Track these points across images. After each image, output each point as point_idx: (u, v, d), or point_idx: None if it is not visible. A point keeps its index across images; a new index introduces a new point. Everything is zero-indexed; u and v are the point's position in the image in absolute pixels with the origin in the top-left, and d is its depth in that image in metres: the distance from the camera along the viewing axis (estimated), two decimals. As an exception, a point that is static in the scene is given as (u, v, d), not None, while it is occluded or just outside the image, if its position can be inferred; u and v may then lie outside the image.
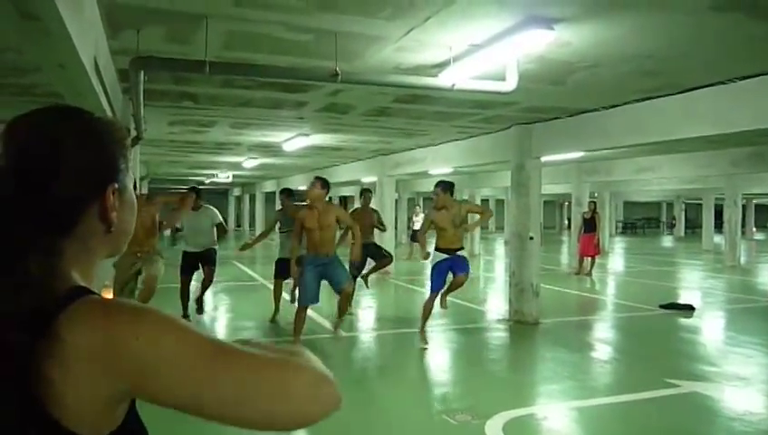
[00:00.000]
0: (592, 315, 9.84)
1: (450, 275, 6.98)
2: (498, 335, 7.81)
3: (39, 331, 0.75)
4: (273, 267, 8.29)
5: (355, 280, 8.43)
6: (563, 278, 13.76)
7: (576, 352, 6.89)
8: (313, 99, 7.58)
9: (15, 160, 0.82)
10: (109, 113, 5.78)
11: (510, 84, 5.44)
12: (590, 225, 14.36)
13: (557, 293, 11.53)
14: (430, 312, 7.10)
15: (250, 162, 16.65)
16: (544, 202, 29.01)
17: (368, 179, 16.78)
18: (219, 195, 36.31)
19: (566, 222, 34.66)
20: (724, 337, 8.31)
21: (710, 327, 8.96)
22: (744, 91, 5.97)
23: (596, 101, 7.46)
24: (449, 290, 7.15)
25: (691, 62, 5.54)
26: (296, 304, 6.82)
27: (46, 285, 0.78)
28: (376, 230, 9.24)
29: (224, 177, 23.10)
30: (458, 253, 6.97)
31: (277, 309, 8.22)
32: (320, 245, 6.42)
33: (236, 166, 18.44)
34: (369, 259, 8.90)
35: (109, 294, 6.17)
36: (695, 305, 9.80)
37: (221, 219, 8.38)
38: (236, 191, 38.18)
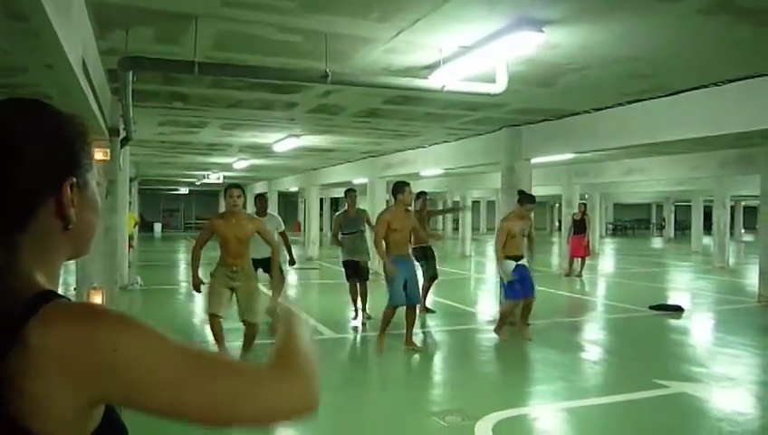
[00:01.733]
0: (582, 316, 9.88)
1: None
2: (488, 337, 7.81)
3: (6, 334, 0.72)
4: (344, 270, 8.51)
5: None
6: (554, 279, 13.81)
7: (566, 353, 6.91)
8: (304, 100, 7.57)
9: None
10: (97, 114, 5.76)
11: (500, 86, 5.46)
12: (580, 226, 14.42)
13: (547, 294, 11.56)
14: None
15: (241, 163, 16.60)
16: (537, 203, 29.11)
17: (359, 181, 16.76)
18: (210, 196, 36.21)
19: (556, 224, 34.80)
20: (712, 338, 8.36)
21: (699, 328, 9.01)
22: (731, 93, 6.02)
23: (585, 103, 7.49)
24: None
25: (679, 65, 5.58)
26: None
27: (6, 283, 0.77)
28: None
29: (215, 178, 23.01)
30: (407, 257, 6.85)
31: (356, 309, 8.42)
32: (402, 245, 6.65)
33: (227, 167, 18.38)
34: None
35: (97, 297, 6.10)
36: (684, 307, 9.86)
37: (284, 227, 8.36)
38: (237, 183, 37.99)
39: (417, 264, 9.15)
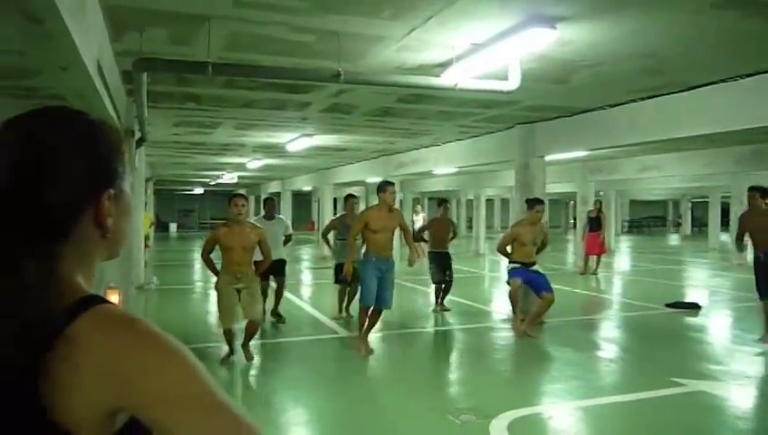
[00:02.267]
0: (598, 315, 9.81)
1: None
2: (503, 335, 7.79)
3: (53, 334, 0.76)
4: (334, 273, 8.62)
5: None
6: (569, 277, 13.73)
7: (581, 352, 6.87)
8: (317, 99, 7.59)
9: (8, 167, 0.81)
10: (112, 115, 5.81)
11: (512, 83, 5.44)
12: (596, 224, 14.32)
13: (563, 292, 11.49)
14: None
15: (254, 163, 16.69)
16: (549, 201, 28.98)
17: (372, 180, 16.77)
18: (224, 196, 36.35)
19: (571, 221, 34.59)
20: (730, 336, 8.27)
21: (716, 326, 8.92)
22: (747, 88, 5.95)
23: (598, 99, 7.44)
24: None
25: (693, 61, 5.53)
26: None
27: (49, 290, 0.79)
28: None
29: (229, 178, 23.14)
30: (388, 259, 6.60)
31: (340, 310, 8.59)
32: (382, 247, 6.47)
33: (241, 167, 18.48)
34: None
35: (114, 296, 6.17)
36: (701, 304, 9.76)
37: (291, 230, 8.56)
38: (242, 192, 38.25)
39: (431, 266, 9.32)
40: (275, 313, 8.21)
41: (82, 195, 0.86)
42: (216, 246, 6.13)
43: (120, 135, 0.95)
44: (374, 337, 7.04)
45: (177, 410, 0.79)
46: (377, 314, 6.55)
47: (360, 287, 6.64)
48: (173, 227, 36.97)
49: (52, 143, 0.84)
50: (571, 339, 7.55)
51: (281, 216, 8.83)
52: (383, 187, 6.51)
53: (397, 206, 7.42)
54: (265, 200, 8.57)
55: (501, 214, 37.12)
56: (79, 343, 0.76)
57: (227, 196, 6.41)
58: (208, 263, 6.25)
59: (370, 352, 6.57)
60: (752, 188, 7.15)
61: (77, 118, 0.90)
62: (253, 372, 6.10)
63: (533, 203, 7.54)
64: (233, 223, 6.08)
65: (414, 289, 11.75)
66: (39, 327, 0.77)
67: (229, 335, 6.08)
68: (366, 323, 6.57)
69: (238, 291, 6.07)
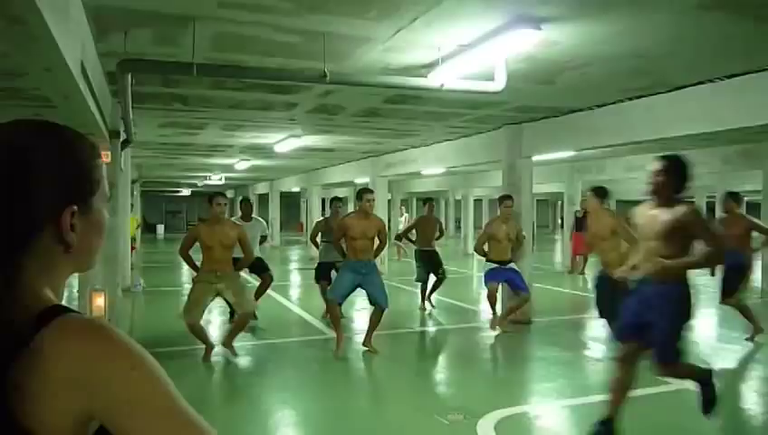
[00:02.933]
0: (585, 314, 9.85)
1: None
2: (491, 335, 7.81)
3: (18, 342, 0.77)
4: (315, 272, 8.70)
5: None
6: (556, 277, 13.79)
7: (569, 351, 6.90)
8: (304, 100, 7.57)
9: None
10: (97, 116, 5.76)
11: (499, 84, 5.46)
12: (583, 223, 14.39)
13: (550, 292, 11.56)
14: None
15: (242, 164, 16.63)
16: (537, 201, 29.06)
17: (360, 180, 16.76)
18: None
19: (559, 221, 34.72)
20: (715, 334, 8.34)
21: (702, 324, 8.98)
22: (733, 88, 6.00)
23: (585, 100, 7.48)
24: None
25: (679, 61, 5.57)
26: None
27: (11, 300, 0.80)
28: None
29: (216, 179, 23.04)
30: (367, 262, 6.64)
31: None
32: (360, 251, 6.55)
33: (229, 168, 18.41)
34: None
35: (99, 299, 6.12)
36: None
37: (267, 231, 8.74)
38: (229, 193, 38.15)
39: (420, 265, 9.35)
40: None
41: (45, 209, 0.85)
42: (197, 245, 6.25)
43: (95, 150, 0.94)
44: (360, 338, 7.02)
45: (138, 416, 0.79)
46: (378, 313, 6.61)
47: (333, 283, 6.95)
48: (160, 228, 36.72)
49: (22, 156, 0.84)
50: (558, 338, 7.58)
51: (258, 217, 8.94)
52: (360, 194, 6.61)
53: (383, 208, 7.55)
54: (241, 202, 8.55)
55: (489, 214, 37.19)
56: (45, 353, 0.77)
57: (209, 196, 6.43)
58: (187, 259, 6.33)
59: (376, 352, 6.64)
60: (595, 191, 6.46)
61: (51, 131, 0.90)
62: (240, 373, 6.07)
63: (503, 199, 7.88)
64: (213, 221, 6.21)
65: (401, 289, 11.75)
66: (3, 337, 0.78)
67: (194, 330, 6.09)
68: (368, 325, 6.75)
69: (219, 293, 6.16)
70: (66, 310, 0.83)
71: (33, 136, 0.87)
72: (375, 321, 6.65)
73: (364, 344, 6.73)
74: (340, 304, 6.68)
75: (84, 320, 0.83)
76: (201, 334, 6.19)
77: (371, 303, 6.61)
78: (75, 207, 0.87)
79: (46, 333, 0.78)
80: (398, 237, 11.06)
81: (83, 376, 0.78)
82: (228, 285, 6.16)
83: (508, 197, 7.94)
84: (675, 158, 3.85)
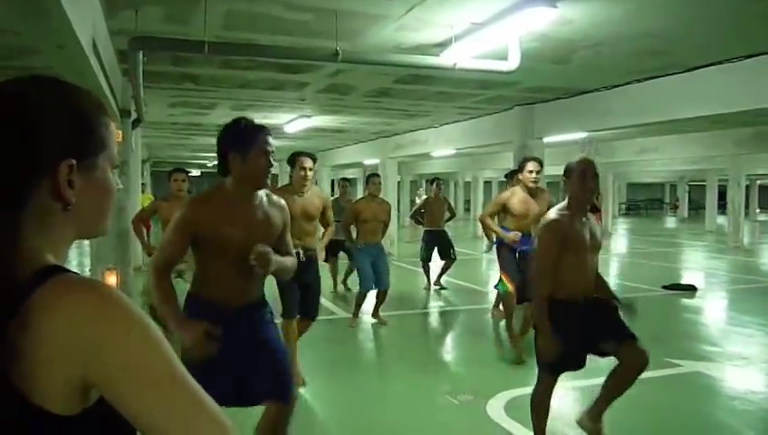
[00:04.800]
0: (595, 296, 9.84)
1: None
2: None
3: (11, 304, 0.74)
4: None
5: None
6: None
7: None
8: (314, 79, 7.53)
9: None
10: (108, 95, 5.76)
11: (512, 63, 5.40)
12: (592, 206, 14.32)
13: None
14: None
15: (252, 145, 16.60)
16: (547, 183, 28.91)
17: (370, 162, 16.72)
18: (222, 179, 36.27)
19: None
20: (726, 317, 8.31)
21: (713, 307, 8.96)
22: (748, 70, 5.92)
23: (599, 80, 7.40)
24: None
25: (694, 42, 5.49)
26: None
27: (6, 258, 0.77)
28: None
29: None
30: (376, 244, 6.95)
31: (335, 284, 9.05)
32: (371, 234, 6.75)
33: (238, 148, 18.39)
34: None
35: (111, 277, 6.15)
36: (697, 286, 9.80)
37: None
38: (182, 167, 38.11)
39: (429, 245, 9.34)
40: None
41: (37, 161, 0.81)
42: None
43: (102, 108, 0.90)
44: (367, 318, 7.09)
45: (133, 385, 0.76)
46: (382, 293, 6.95)
47: (358, 275, 7.02)
48: (170, 208, 36.89)
49: (23, 107, 0.81)
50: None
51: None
52: (368, 179, 7.02)
53: (392, 189, 7.52)
54: None
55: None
56: (38, 312, 0.74)
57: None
58: (138, 231, 5.87)
59: (384, 322, 7.05)
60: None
61: (59, 85, 0.87)
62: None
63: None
64: (173, 199, 5.74)
65: (411, 271, 11.76)
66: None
67: (153, 313, 5.85)
68: (374, 303, 7.05)
69: (179, 274, 5.49)
70: (64, 270, 0.80)
71: (35, 87, 0.85)
72: (381, 298, 7.00)
73: (373, 316, 7.12)
74: (369, 290, 6.92)
75: (81, 279, 0.80)
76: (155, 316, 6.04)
77: (375, 284, 6.85)
78: (74, 162, 0.82)
79: (41, 292, 0.75)
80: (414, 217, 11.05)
81: (76, 338, 0.74)
82: (190, 265, 5.82)
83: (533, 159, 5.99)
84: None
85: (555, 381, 3.36)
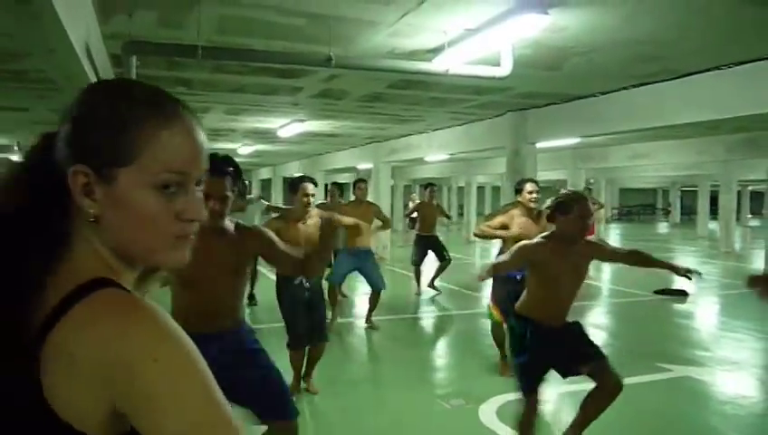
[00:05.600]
0: (587, 301, 9.88)
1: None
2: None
3: (54, 316, 0.71)
4: None
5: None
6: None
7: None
8: (308, 84, 7.54)
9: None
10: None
11: (505, 69, 5.42)
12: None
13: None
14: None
15: (245, 149, 16.59)
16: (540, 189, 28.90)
17: (363, 166, 16.74)
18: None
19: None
20: (717, 322, 8.36)
21: (703, 312, 9.01)
22: (742, 76, 5.97)
23: (592, 86, 7.44)
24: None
25: (686, 48, 5.53)
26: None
27: (57, 265, 0.75)
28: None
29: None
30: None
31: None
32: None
33: (232, 153, 18.28)
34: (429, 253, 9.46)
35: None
36: (689, 291, 9.85)
37: (266, 203, 9.11)
38: None
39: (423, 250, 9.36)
40: (249, 295, 8.19)
41: (61, 164, 0.77)
42: None
43: (145, 107, 0.77)
44: (361, 322, 7.10)
45: (160, 415, 0.69)
46: (376, 295, 7.05)
47: (330, 268, 7.03)
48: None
49: (75, 106, 0.79)
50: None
51: (253, 196, 9.54)
52: (355, 184, 7.27)
53: (386, 194, 7.56)
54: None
55: (492, 201, 37.18)
56: (74, 328, 0.70)
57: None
58: None
59: (377, 327, 7.12)
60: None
61: (113, 86, 0.83)
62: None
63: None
64: None
65: (404, 275, 11.77)
66: (39, 306, 0.72)
67: None
68: (368, 306, 7.17)
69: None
70: (109, 284, 0.74)
71: (93, 89, 0.82)
72: (374, 302, 7.08)
73: (366, 322, 7.19)
74: (339, 284, 7.14)
75: (119, 294, 0.74)
76: None
77: (370, 286, 7.01)
78: (87, 169, 0.75)
79: (80, 306, 0.71)
80: (412, 223, 11.16)
81: (102, 359, 0.69)
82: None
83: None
84: None
85: (536, 400, 3.35)
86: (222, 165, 2.46)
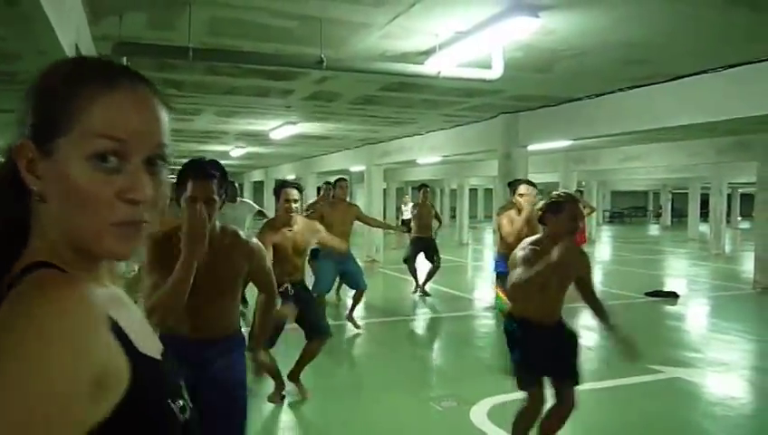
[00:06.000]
0: (578, 303, 9.90)
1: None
2: (485, 323, 7.84)
3: None
4: None
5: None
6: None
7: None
8: (300, 87, 7.54)
9: None
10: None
11: (496, 72, 5.44)
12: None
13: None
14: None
15: (237, 151, 16.56)
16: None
17: (356, 168, 16.74)
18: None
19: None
20: (707, 324, 8.40)
21: (694, 314, 9.05)
22: (732, 78, 6.01)
23: (583, 89, 7.47)
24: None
25: (678, 51, 5.57)
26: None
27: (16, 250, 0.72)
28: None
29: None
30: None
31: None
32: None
33: (224, 155, 18.31)
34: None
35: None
36: (679, 293, 9.90)
37: (258, 207, 8.70)
38: None
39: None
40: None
41: (15, 139, 0.72)
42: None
43: (79, 72, 0.72)
44: (352, 327, 7.10)
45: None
46: (359, 294, 7.03)
47: (314, 276, 6.82)
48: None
49: (29, 86, 0.75)
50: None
51: (245, 199, 9.18)
52: (335, 183, 7.18)
53: (379, 196, 7.51)
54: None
55: (484, 203, 37.25)
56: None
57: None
58: None
59: (357, 327, 7.13)
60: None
61: (73, 59, 0.78)
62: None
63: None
64: None
65: (397, 278, 11.77)
66: None
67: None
68: (351, 304, 7.22)
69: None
70: (47, 265, 0.68)
71: (62, 63, 0.76)
72: (357, 299, 7.11)
73: (348, 318, 7.20)
74: (328, 292, 7.12)
75: (49, 273, 0.67)
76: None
77: (352, 286, 7.05)
78: (29, 143, 0.70)
79: (14, 290, 0.65)
80: (406, 227, 11.13)
81: None
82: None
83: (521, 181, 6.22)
84: None
85: (537, 396, 3.37)
86: (208, 168, 2.43)
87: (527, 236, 4.74)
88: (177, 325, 2.38)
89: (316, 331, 4.72)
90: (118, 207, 0.70)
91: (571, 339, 3.51)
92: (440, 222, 9.95)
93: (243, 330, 2.75)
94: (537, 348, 3.33)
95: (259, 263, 2.69)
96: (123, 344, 0.69)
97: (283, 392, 4.71)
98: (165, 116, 0.75)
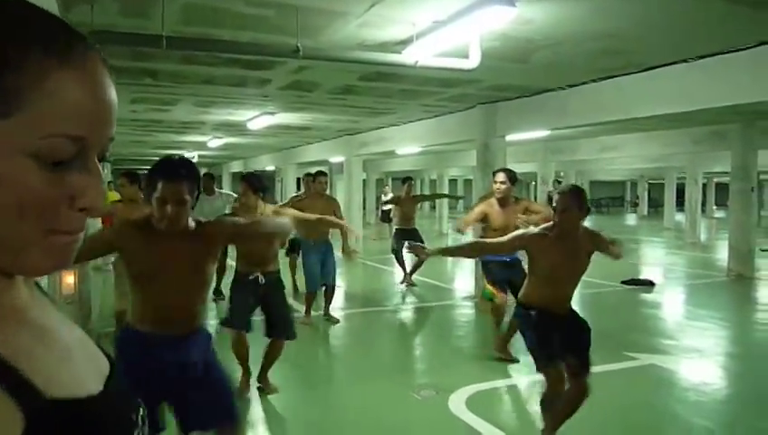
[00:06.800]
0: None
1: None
2: (465, 313, 7.89)
3: None
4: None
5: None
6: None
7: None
8: (277, 76, 7.47)
9: None
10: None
11: (473, 62, 5.44)
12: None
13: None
14: None
15: (215, 142, 16.40)
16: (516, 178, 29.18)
17: (336, 159, 16.68)
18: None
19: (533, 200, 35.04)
20: (682, 311, 8.53)
21: (669, 302, 9.19)
22: (706, 69, 6.07)
23: (559, 79, 7.50)
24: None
25: (652, 41, 5.60)
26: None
27: None
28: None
29: (189, 157, 22.72)
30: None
31: (296, 287, 8.33)
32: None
33: (202, 145, 18.14)
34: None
35: (69, 277, 6.00)
36: (655, 281, 10.04)
37: (235, 196, 8.56)
38: (203, 171, 37.69)
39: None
40: (216, 290, 8.02)
41: None
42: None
43: (15, 25, 0.52)
44: (338, 316, 7.09)
45: None
46: (331, 289, 7.03)
47: (304, 274, 6.95)
48: (133, 207, 36.23)
49: None
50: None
51: (222, 190, 9.05)
52: (315, 176, 6.95)
53: (359, 187, 7.41)
54: (203, 176, 8.45)
55: (464, 193, 37.40)
56: None
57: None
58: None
59: (336, 321, 7.07)
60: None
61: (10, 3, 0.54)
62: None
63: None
64: (128, 202, 5.87)
65: (378, 268, 11.78)
66: None
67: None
68: (324, 301, 7.08)
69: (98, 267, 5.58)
70: None
71: None
72: (330, 295, 7.08)
73: (324, 315, 7.09)
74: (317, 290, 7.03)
75: None
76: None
77: (322, 278, 6.91)
78: None
79: None
80: (382, 219, 11.15)
81: None
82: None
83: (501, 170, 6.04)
84: None
85: (554, 375, 3.47)
86: (178, 168, 2.40)
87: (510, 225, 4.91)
88: (147, 324, 2.46)
89: (282, 329, 4.67)
90: (64, 215, 0.55)
91: (583, 328, 3.63)
92: (438, 196, 10.01)
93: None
94: (549, 332, 3.45)
95: (233, 225, 2.75)
96: (10, 391, 0.51)
97: (250, 382, 4.70)
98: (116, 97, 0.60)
